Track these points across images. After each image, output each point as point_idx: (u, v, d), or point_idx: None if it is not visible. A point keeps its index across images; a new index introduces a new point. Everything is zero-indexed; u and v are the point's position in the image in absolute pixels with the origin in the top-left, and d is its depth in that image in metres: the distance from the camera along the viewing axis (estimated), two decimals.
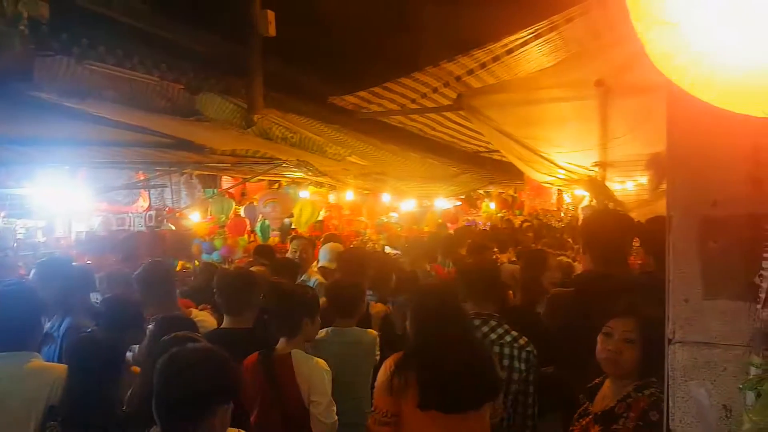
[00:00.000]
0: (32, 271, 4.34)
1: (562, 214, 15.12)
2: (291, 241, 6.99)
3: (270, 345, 3.34)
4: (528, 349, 3.25)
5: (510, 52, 4.31)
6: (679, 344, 1.48)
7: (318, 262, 6.45)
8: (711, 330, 1.44)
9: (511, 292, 4.77)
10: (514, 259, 6.82)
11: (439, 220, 13.02)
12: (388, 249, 10.01)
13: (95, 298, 4.46)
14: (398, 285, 4.95)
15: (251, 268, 4.81)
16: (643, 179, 5.45)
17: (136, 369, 3.13)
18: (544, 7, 3.82)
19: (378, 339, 3.89)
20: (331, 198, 11.20)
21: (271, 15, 4.92)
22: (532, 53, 4.36)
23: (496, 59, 4.41)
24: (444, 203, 14.20)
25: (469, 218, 15.10)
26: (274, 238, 9.59)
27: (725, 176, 1.44)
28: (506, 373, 3.18)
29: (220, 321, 3.85)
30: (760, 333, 1.34)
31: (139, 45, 4.22)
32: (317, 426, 3.09)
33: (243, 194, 10.38)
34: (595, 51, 4.12)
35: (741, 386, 1.34)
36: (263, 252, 6.58)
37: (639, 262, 4.12)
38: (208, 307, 4.46)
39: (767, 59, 1.24)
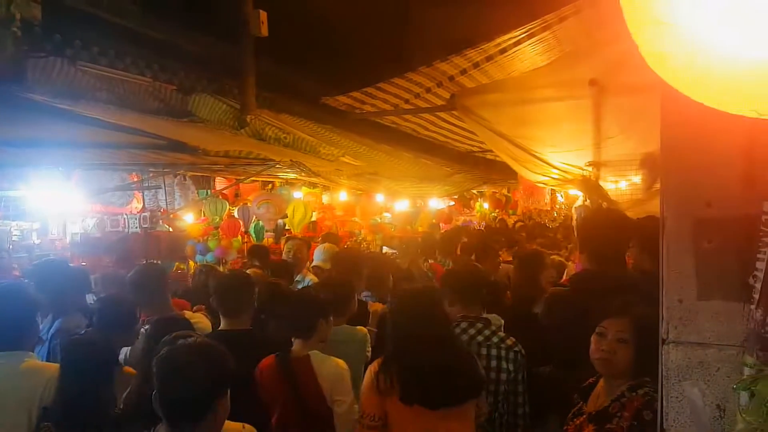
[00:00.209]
0: (29, 273, 4.34)
1: (555, 214, 15.16)
2: (285, 242, 6.99)
3: (269, 345, 3.37)
4: (515, 349, 3.30)
5: (503, 51, 4.32)
6: (673, 344, 1.48)
7: (312, 262, 6.46)
8: (705, 330, 1.45)
9: (508, 292, 4.80)
10: (509, 259, 6.83)
11: (433, 220, 13.02)
12: (385, 249, 10.01)
13: (91, 299, 4.46)
14: (395, 284, 4.97)
15: (247, 271, 4.81)
16: (637, 179, 5.45)
17: (129, 369, 3.13)
18: (537, 7, 3.82)
19: (369, 336, 3.94)
20: (325, 199, 11.19)
21: (263, 15, 4.90)
22: (525, 53, 4.37)
23: (489, 59, 4.42)
24: (437, 203, 14.22)
25: (465, 219, 15.10)
26: (268, 239, 9.58)
27: (719, 176, 1.45)
28: (495, 374, 3.24)
29: (214, 322, 3.84)
30: (754, 333, 1.34)
31: (132, 46, 4.20)
32: (343, 424, 3.13)
33: (236, 195, 10.36)
34: (589, 50, 4.12)
35: (735, 386, 1.34)
36: (257, 252, 6.57)
37: (631, 260, 4.13)
38: (203, 308, 4.45)
39: (760, 59, 1.25)
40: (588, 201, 6.10)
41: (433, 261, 7.06)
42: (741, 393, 1.32)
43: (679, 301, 1.48)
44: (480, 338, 3.30)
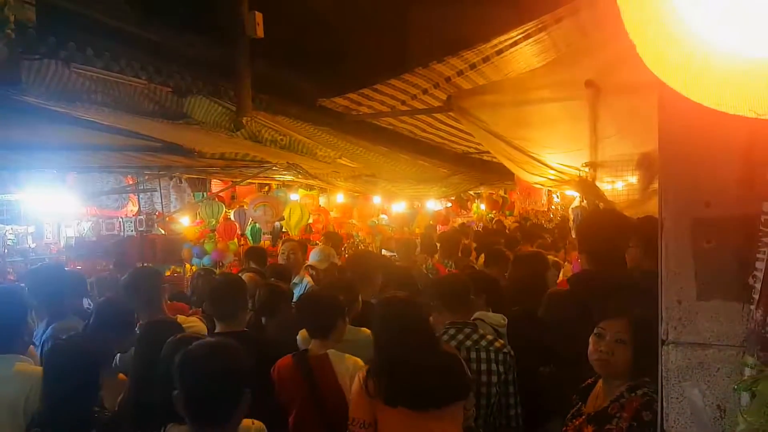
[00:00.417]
0: (24, 277, 4.33)
1: (551, 216, 15.16)
2: (282, 244, 6.98)
3: (264, 347, 3.38)
4: (504, 351, 3.37)
5: (500, 52, 4.31)
6: (672, 345, 1.48)
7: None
8: (704, 331, 1.44)
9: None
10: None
11: (430, 222, 13.02)
12: (384, 251, 10.01)
13: (87, 303, 4.44)
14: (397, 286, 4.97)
15: (243, 274, 4.80)
16: (633, 179, 5.45)
17: (123, 377, 3.11)
18: (534, 8, 3.82)
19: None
20: (322, 201, 11.17)
21: (259, 16, 4.90)
22: (521, 54, 4.37)
23: (485, 60, 4.42)
24: (435, 205, 14.21)
25: (468, 219, 15.10)
26: (265, 242, 9.56)
27: (718, 177, 1.44)
28: (486, 377, 3.30)
29: (210, 327, 3.83)
30: (755, 333, 1.34)
31: (127, 48, 4.20)
32: None
33: (233, 198, 10.33)
34: (585, 51, 4.12)
35: (735, 387, 1.34)
36: (255, 254, 6.56)
37: (629, 260, 4.13)
38: (199, 311, 4.44)
39: (759, 59, 1.25)
40: (585, 202, 6.10)
41: (435, 262, 7.06)
42: (742, 393, 1.32)
43: (678, 301, 1.47)
44: (468, 343, 3.37)
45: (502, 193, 15.30)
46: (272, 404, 3.14)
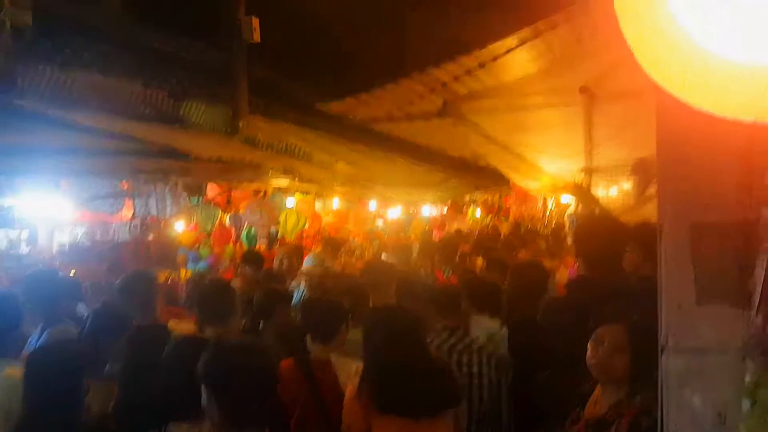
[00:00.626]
0: (18, 283, 4.31)
1: (546, 221, 15.17)
2: (277, 249, 6.98)
3: (261, 351, 3.35)
4: (497, 355, 3.43)
5: (495, 58, 4.31)
6: (672, 351, 1.47)
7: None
8: (704, 336, 1.44)
9: None
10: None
11: (426, 227, 13.02)
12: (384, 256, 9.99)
13: (81, 308, 4.42)
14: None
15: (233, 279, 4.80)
16: (628, 185, 5.48)
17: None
18: (529, 14, 3.83)
19: None
20: (317, 206, 11.16)
21: (255, 21, 4.90)
22: (517, 60, 4.37)
23: (481, 65, 4.42)
24: (430, 210, 14.21)
25: (463, 227, 15.08)
26: (261, 246, 9.54)
27: (716, 182, 1.44)
28: (477, 380, 3.34)
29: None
30: (755, 339, 1.34)
31: (123, 52, 4.19)
32: None
33: (228, 202, 10.31)
34: (580, 57, 4.14)
35: (737, 393, 1.33)
36: (251, 258, 6.55)
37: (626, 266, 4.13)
38: (194, 316, 4.42)
39: (757, 64, 1.25)
40: (580, 207, 6.13)
41: (435, 268, 7.07)
42: (743, 400, 1.32)
43: (678, 306, 1.47)
44: (460, 346, 3.42)
45: (497, 198, 15.31)
46: (273, 408, 3.14)
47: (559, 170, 5.74)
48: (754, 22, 1.23)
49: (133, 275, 4.16)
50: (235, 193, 9.85)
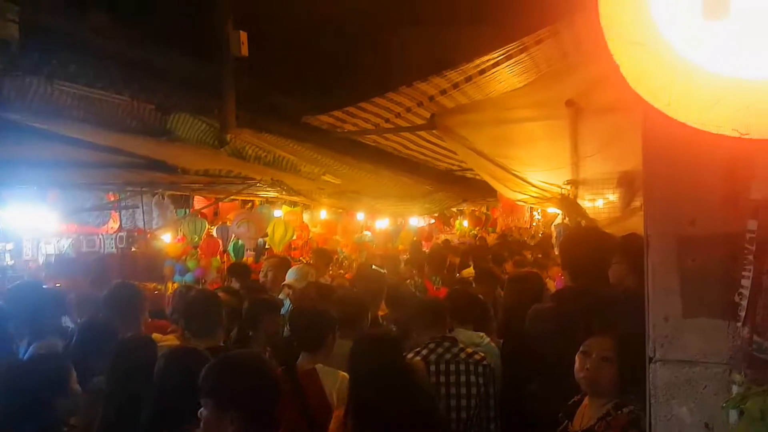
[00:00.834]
0: (3, 296, 4.26)
1: (533, 233, 15.26)
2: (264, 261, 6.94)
3: (267, 363, 3.36)
4: (484, 363, 3.50)
5: (482, 72, 4.36)
6: (660, 363, 1.49)
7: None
8: (691, 348, 1.45)
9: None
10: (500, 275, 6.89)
11: (414, 238, 13.03)
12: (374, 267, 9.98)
13: (65, 321, 4.38)
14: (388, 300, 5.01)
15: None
16: (614, 197, 5.52)
17: None
18: (515, 29, 3.88)
19: None
20: (305, 217, 11.14)
21: (243, 35, 4.90)
22: (503, 74, 4.42)
23: (468, 80, 4.46)
24: (418, 221, 14.23)
25: (450, 237, 15.10)
26: (248, 258, 9.49)
27: (702, 195, 1.46)
28: (465, 389, 3.41)
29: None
30: (741, 351, 1.35)
31: (111, 65, 4.17)
32: None
33: (216, 214, 10.26)
34: (565, 71, 4.19)
35: (724, 404, 1.35)
36: (237, 270, 6.51)
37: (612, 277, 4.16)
38: (179, 329, 4.39)
39: (740, 79, 1.27)
40: (567, 219, 6.16)
41: (424, 278, 7.08)
42: (730, 411, 1.33)
43: (665, 319, 1.48)
44: (448, 356, 3.48)
45: (484, 209, 15.38)
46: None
47: (546, 182, 5.77)
48: (737, 37, 1.25)
49: (118, 287, 4.14)
50: (223, 205, 9.81)
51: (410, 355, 3.49)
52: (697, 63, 1.31)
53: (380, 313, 4.95)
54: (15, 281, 6.14)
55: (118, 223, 8.42)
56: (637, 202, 4.72)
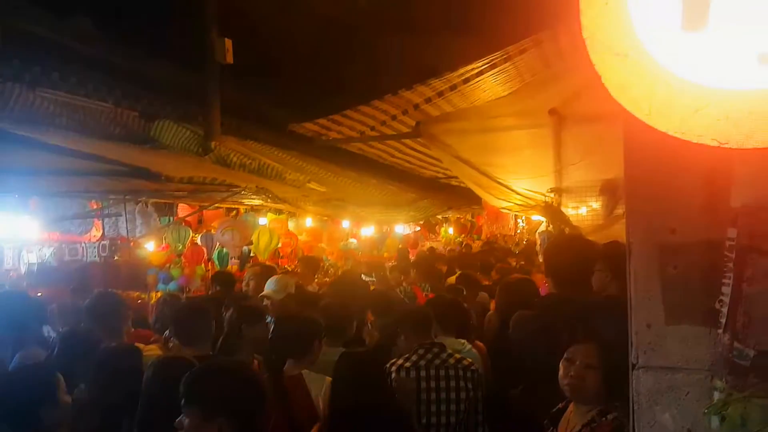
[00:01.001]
0: None
1: (517, 241, 15.34)
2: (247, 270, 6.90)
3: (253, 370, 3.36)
4: (472, 368, 3.56)
5: (466, 81, 4.39)
6: (642, 369, 1.50)
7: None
8: (674, 355, 1.47)
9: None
10: (485, 283, 6.94)
11: (399, 246, 13.06)
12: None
13: (47, 330, 4.33)
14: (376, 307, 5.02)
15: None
16: (597, 204, 5.57)
17: None
18: (499, 39, 3.91)
19: None
20: (291, 225, 11.12)
21: (228, 43, 4.89)
22: (487, 83, 4.45)
23: (453, 88, 4.49)
24: (404, 229, 14.27)
25: (435, 245, 15.15)
26: (233, 266, 9.45)
27: (683, 203, 1.48)
28: (455, 394, 3.46)
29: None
30: (722, 358, 1.37)
31: (94, 72, 4.14)
32: None
33: (200, 222, 10.21)
34: (548, 81, 4.23)
35: (706, 411, 1.36)
36: (222, 279, 6.47)
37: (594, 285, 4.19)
38: (161, 339, 4.36)
39: (718, 90, 1.29)
40: (551, 226, 6.20)
41: (413, 285, 7.09)
42: (712, 417, 1.34)
43: (647, 326, 1.50)
44: (438, 361, 3.53)
45: (469, 217, 15.45)
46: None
47: (530, 190, 5.82)
48: (716, 48, 1.27)
49: (101, 297, 4.10)
50: (207, 213, 9.76)
51: (400, 362, 3.53)
52: (678, 73, 1.33)
53: (369, 319, 4.96)
54: None
55: (101, 232, 8.36)
56: (620, 210, 4.76)
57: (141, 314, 6.22)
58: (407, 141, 5.75)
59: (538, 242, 6.89)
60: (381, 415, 2.95)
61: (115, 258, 7.23)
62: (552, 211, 5.68)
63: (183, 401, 2.18)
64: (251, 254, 9.90)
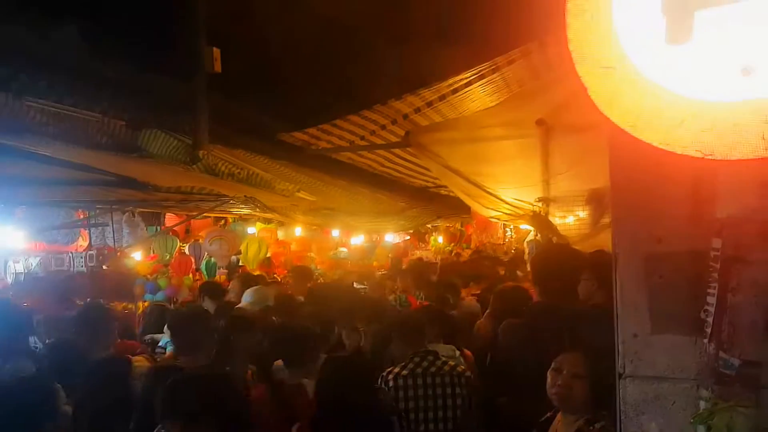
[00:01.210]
0: None
1: (506, 250, 15.37)
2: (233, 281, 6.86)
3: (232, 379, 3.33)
4: (466, 375, 3.63)
5: (455, 91, 4.42)
6: (629, 379, 1.51)
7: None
8: (660, 364, 1.48)
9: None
10: (476, 292, 6.96)
11: (389, 255, 13.06)
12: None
13: (33, 341, 4.28)
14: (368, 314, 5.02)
15: None
16: (584, 214, 5.60)
17: None
18: (487, 50, 3.95)
19: None
20: (280, 234, 11.09)
21: (216, 52, 4.87)
22: (476, 93, 4.48)
23: (442, 98, 4.52)
24: (393, 238, 14.27)
25: (425, 254, 15.15)
26: (221, 276, 9.40)
27: (668, 214, 1.49)
28: (451, 400, 3.53)
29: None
30: (708, 367, 1.38)
31: (80, 81, 4.11)
32: None
33: (187, 232, 10.16)
34: (536, 91, 4.27)
35: (692, 420, 1.37)
36: (210, 289, 6.42)
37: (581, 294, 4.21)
38: (147, 350, 4.34)
39: (703, 102, 1.31)
40: (539, 235, 6.22)
41: (408, 294, 7.09)
42: (698, 427, 1.35)
43: (633, 335, 1.51)
44: (433, 369, 3.60)
45: (459, 226, 15.48)
46: None
47: (518, 199, 5.84)
48: (700, 61, 1.29)
49: (89, 308, 4.07)
50: (195, 222, 9.72)
51: (397, 370, 3.58)
52: (662, 86, 1.35)
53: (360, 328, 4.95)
54: None
55: (88, 241, 8.28)
56: (607, 219, 4.79)
57: (127, 324, 6.17)
58: (397, 150, 5.77)
59: (527, 251, 6.92)
60: (366, 414, 2.96)
61: (102, 268, 7.17)
62: (540, 221, 5.70)
63: (161, 414, 2.16)
64: (240, 264, 9.86)
